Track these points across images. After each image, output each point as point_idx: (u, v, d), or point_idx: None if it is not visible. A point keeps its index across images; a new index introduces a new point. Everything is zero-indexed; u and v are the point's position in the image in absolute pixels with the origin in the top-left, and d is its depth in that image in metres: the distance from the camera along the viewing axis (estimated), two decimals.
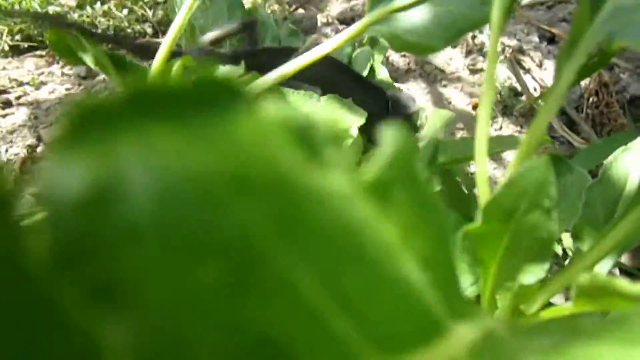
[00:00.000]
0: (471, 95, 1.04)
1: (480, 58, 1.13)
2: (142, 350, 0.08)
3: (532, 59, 1.11)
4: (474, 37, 1.13)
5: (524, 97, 1.02)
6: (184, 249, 0.09)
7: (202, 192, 0.09)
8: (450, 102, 1.02)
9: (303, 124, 0.11)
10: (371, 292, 0.11)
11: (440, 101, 1.02)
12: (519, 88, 1.04)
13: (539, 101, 0.97)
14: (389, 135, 0.12)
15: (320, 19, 1.16)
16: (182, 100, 0.09)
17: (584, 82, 1.02)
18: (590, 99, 0.98)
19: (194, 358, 0.09)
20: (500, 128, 0.97)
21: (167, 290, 0.09)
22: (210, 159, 0.09)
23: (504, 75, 1.06)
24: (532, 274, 0.19)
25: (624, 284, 0.15)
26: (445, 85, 1.06)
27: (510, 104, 1.00)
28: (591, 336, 0.12)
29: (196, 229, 0.09)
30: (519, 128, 0.97)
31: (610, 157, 0.32)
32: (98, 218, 0.08)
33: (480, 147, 0.23)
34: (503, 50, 1.11)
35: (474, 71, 1.10)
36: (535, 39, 1.15)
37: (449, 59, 1.12)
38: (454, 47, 1.14)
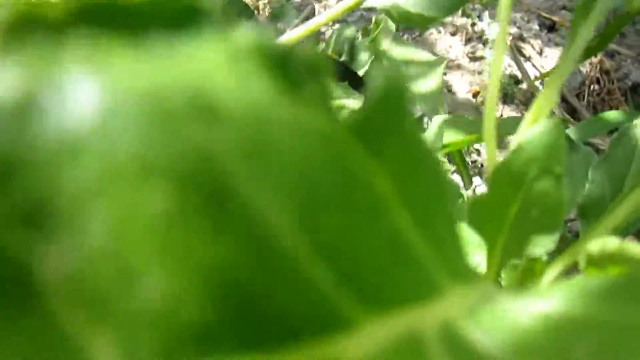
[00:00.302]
0: (471, 83, 1.03)
1: (480, 45, 1.12)
2: (79, 282, 0.07)
3: (532, 46, 1.10)
4: (473, 25, 1.12)
5: (524, 85, 1.01)
6: (129, 169, 0.08)
7: (155, 110, 0.08)
8: (450, 90, 1.01)
9: (281, 54, 0.09)
10: (357, 242, 0.10)
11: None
12: (520, 75, 1.03)
13: (539, 86, 0.95)
14: (378, 80, 0.11)
15: (318, 8, 1.14)
16: (142, 17, 0.08)
17: (585, 69, 1.01)
18: (592, 87, 0.97)
19: (140, 291, 0.08)
20: (501, 115, 0.96)
21: (108, 215, 0.08)
22: (168, 78, 0.08)
23: (504, 62, 1.05)
24: (540, 246, 0.18)
25: (637, 249, 0.14)
26: (445, 73, 1.05)
27: (511, 91, 0.99)
28: (597, 298, 0.11)
29: (145, 148, 0.08)
30: (520, 115, 0.96)
31: (616, 134, 0.31)
32: (31, 129, 0.07)
33: (489, 123, 0.22)
34: None
35: (473, 59, 1.09)
36: (536, 26, 1.14)
37: (449, 46, 1.11)
38: (454, 35, 1.13)
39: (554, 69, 0.21)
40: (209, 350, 0.08)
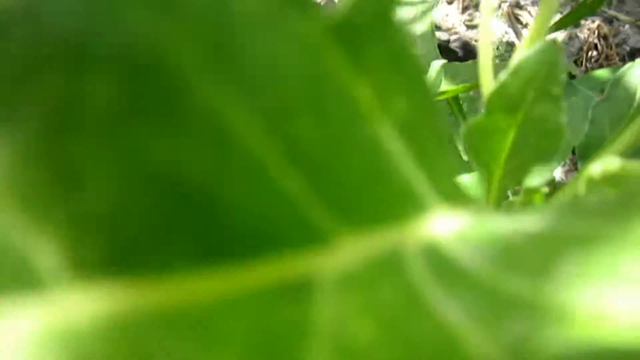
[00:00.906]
0: None
1: (477, 14, 1.10)
2: (14, 183, 0.07)
3: (529, 13, 1.08)
4: None
5: None
6: (64, 55, 0.07)
7: None
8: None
9: None
10: (333, 153, 0.09)
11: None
12: (517, 43, 1.01)
13: None
14: None
15: None
16: None
17: (583, 35, 0.99)
18: (590, 53, 0.95)
19: (84, 193, 0.07)
20: None
21: (40, 108, 0.07)
22: None
23: (501, 30, 1.03)
24: (538, 175, 0.17)
25: None
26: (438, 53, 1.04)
27: (508, 58, 0.98)
28: (587, 214, 0.10)
29: (83, 35, 0.07)
30: None
31: (618, 74, 0.30)
32: None
33: (485, 64, 0.21)
34: (500, 6, 1.08)
35: (470, 27, 1.08)
36: None
37: (445, 15, 1.09)
38: (450, 3, 1.11)
39: None
40: (163, 260, 0.08)
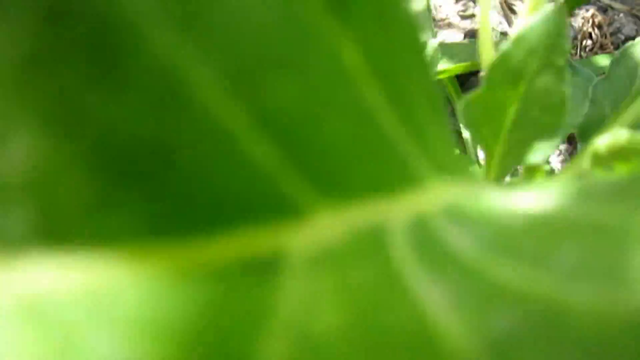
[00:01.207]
0: None
1: (471, 4, 1.09)
2: None
3: (523, 2, 1.08)
4: None
5: None
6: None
7: None
8: None
9: None
10: (313, 118, 0.08)
11: None
12: (511, 33, 1.01)
13: None
14: None
15: None
16: None
17: (577, 24, 0.99)
18: (584, 41, 0.94)
19: (7, 155, 0.06)
20: None
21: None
22: None
23: (495, 20, 1.02)
24: (540, 152, 0.16)
25: None
26: (436, 32, 1.03)
27: None
28: (592, 198, 0.09)
29: None
30: None
31: (619, 52, 0.29)
32: None
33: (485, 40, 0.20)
34: None
35: (464, 17, 1.07)
36: None
37: (439, 5, 1.08)
38: None
39: None
40: (104, 233, 0.06)
